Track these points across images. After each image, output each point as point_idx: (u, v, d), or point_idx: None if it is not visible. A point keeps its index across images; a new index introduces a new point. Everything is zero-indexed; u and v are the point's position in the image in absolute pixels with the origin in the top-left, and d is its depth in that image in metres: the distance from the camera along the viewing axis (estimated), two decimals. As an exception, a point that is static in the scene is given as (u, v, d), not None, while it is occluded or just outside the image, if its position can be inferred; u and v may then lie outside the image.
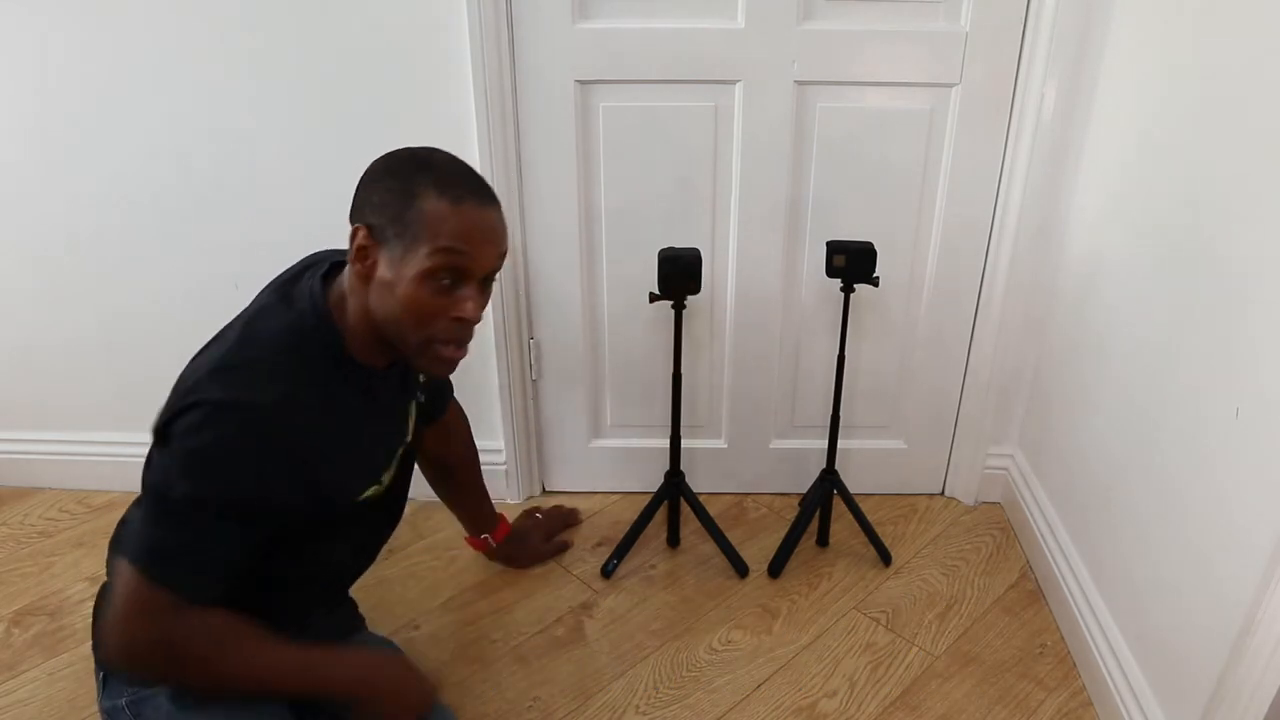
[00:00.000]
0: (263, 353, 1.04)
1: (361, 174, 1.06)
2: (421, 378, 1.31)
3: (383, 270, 1.03)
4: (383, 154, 1.06)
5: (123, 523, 1.23)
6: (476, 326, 1.09)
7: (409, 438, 1.29)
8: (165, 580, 1.01)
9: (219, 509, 1.00)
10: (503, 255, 1.08)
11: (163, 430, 1.03)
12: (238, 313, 1.13)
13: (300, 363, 1.04)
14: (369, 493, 1.19)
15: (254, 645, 1.08)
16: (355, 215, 1.04)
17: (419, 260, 1.00)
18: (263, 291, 1.14)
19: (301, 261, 1.17)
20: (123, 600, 1.01)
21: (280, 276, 1.15)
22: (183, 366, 1.08)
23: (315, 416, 1.04)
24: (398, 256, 1.01)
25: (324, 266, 1.12)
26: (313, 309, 1.07)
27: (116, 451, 1.87)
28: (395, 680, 1.16)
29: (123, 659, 1.04)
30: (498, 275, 1.11)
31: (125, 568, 1.01)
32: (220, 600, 1.05)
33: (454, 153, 1.61)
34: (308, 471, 1.05)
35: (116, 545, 1.20)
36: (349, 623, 1.37)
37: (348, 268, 1.08)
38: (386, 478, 1.22)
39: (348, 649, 1.20)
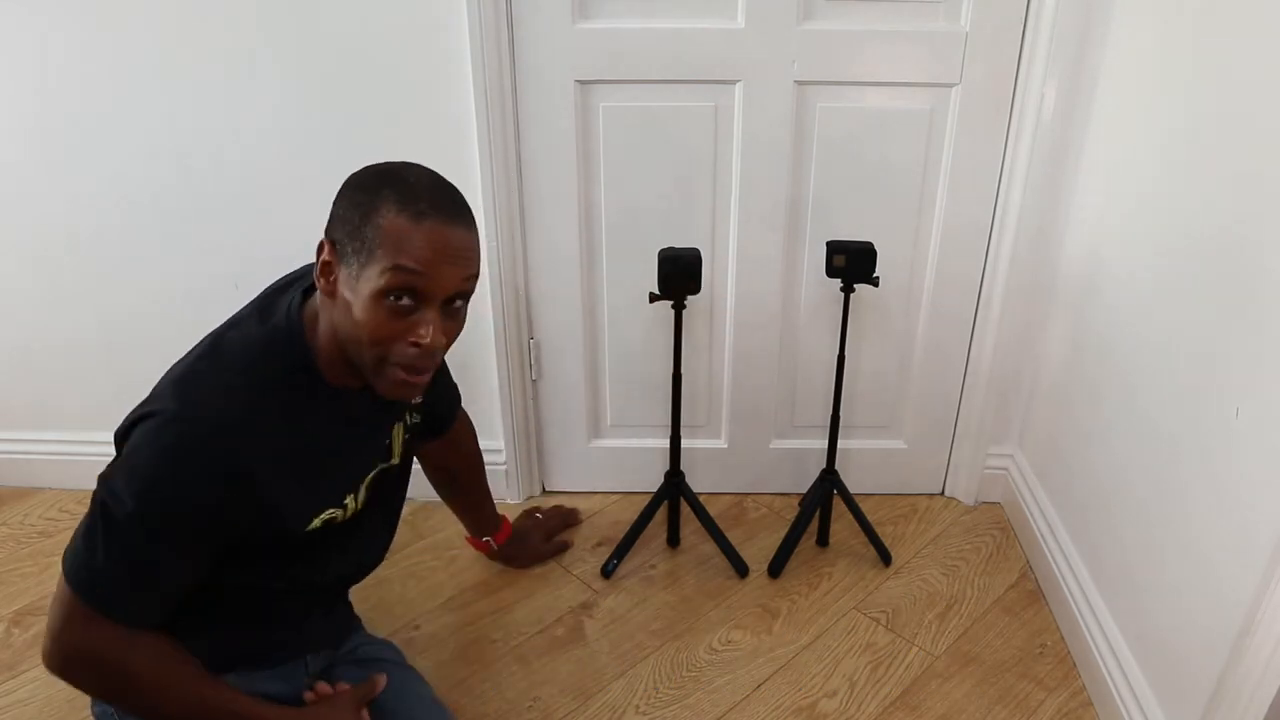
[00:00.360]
0: (225, 368, 1.02)
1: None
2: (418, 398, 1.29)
3: (342, 288, 0.99)
4: (355, 172, 1.02)
5: None
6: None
7: (394, 459, 1.25)
8: (100, 606, 0.99)
9: (161, 528, 0.98)
10: (470, 278, 1.01)
11: (120, 439, 1.02)
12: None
13: (262, 381, 1.02)
14: (326, 516, 1.14)
15: (197, 683, 1.07)
16: (326, 230, 1.01)
17: (373, 278, 0.95)
18: (250, 301, 1.13)
19: (292, 273, 1.15)
20: (58, 617, 1.00)
21: (269, 287, 1.14)
22: (181, 367, 1.08)
23: (269, 437, 1.01)
24: (354, 274, 0.97)
25: (308, 280, 1.10)
26: (286, 325, 1.04)
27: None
28: None
29: (61, 673, 1.02)
30: (468, 299, 1.05)
31: (63, 584, 1.00)
32: (160, 623, 1.04)
33: (454, 153, 1.61)
34: (256, 493, 1.01)
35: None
36: (346, 624, 1.37)
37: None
38: (351, 501, 1.17)
39: (293, 709, 1.17)
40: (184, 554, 1.02)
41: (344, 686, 1.22)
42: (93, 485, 1.02)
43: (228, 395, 1.00)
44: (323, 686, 1.22)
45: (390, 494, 1.29)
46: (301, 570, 1.17)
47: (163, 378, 1.05)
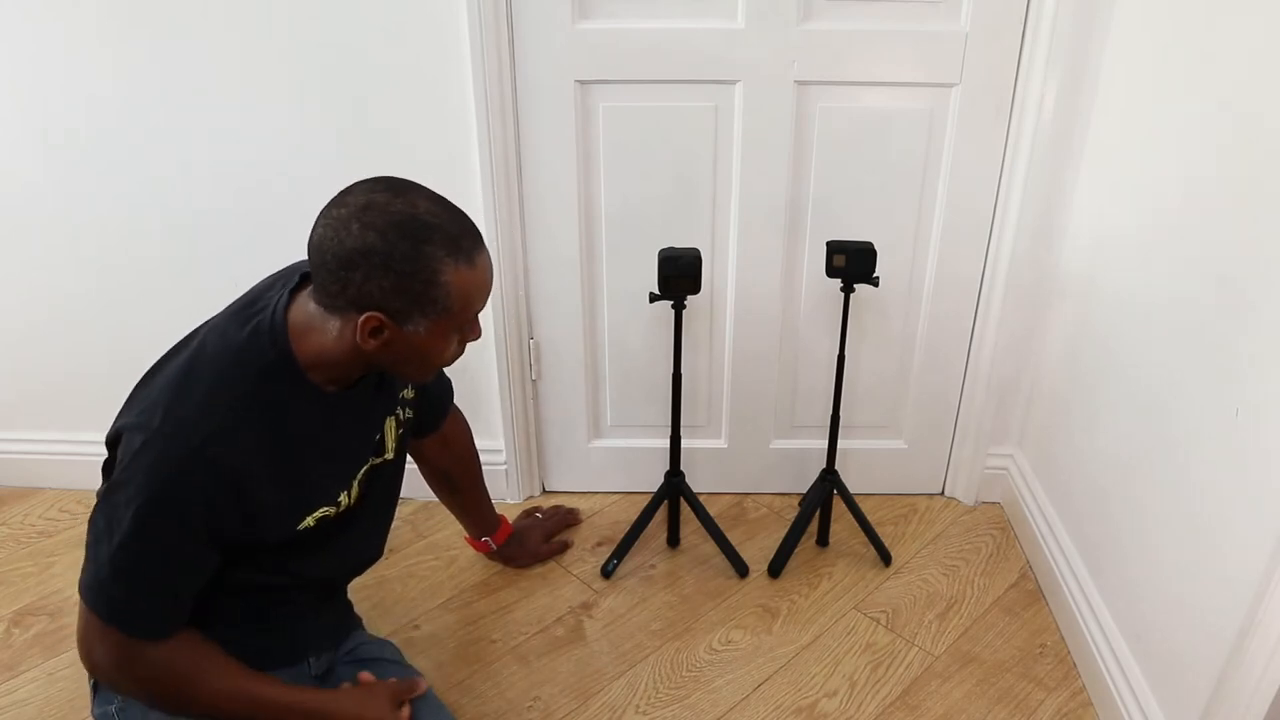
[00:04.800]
0: (205, 377, 1.02)
1: (335, 249, 0.96)
2: (410, 393, 1.29)
3: (405, 340, 1.02)
4: (354, 220, 0.96)
5: None
6: None
7: (388, 454, 1.25)
8: (115, 623, 1.03)
9: (161, 539, 1.00)
10: None
11: (111, 447, 1.04)
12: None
13: (243, 388, 1.02)
14: (319, 514, 1.15)
15: (229, 680, 1.10)
16: (355, 302, 0.98)
17: (452, 325, 1.03)
18: (236, 300, 1.12)
19: (273, 275, 1.15)
20: (82, 630, 1.05)
21: (255, 286, 1.13)
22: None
23: (254, 443, 1.02)
24: (422, 328, 1.01)
25: (294, 279, 1.09)
26: (270, 329, 1.03)
27: (116, 451, 1.87)
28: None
29: (96, 676, 1.09)
30: None
31: (96, 623, 1.03)
32: (181, 628, 1.07)
33: (454, 153, 1.61)
34: (244, 499, 1.03)
35: None
36: (346, 622, 1.37)
37: (335, 322, 1.02)
38: (345, 498, 1.18)
39: (332, 692, 1.21)
40: (188, 560, 1.04)
41: (388, 680, 1.24)
42: (93, 485, 1.03)
43: (209, 406, 1.00)
44: (365, 676, 1.23)
45: (385, 489, 1.29)
46: (300, 564, 1.18)
47: (145, 382, 1.07)
